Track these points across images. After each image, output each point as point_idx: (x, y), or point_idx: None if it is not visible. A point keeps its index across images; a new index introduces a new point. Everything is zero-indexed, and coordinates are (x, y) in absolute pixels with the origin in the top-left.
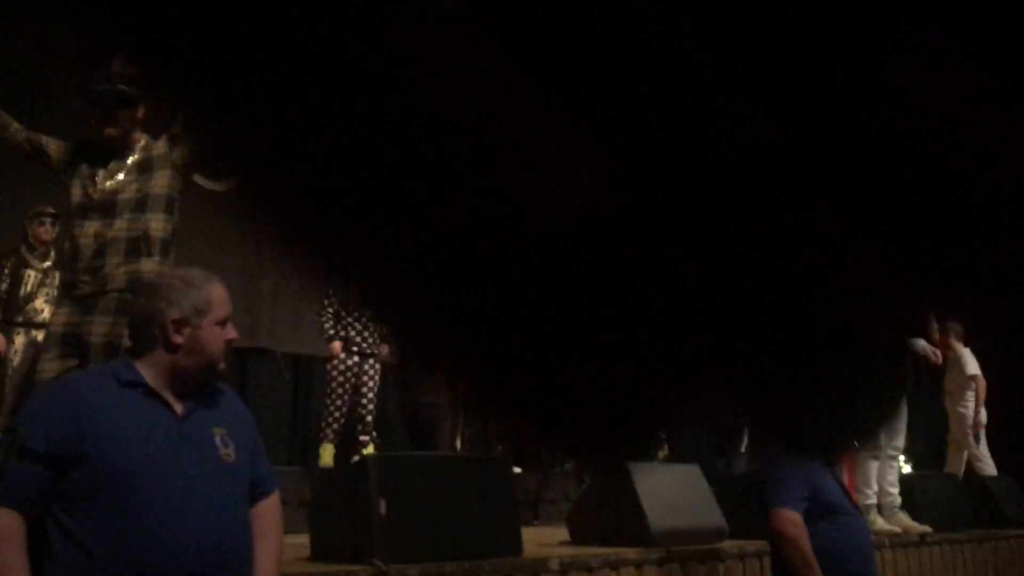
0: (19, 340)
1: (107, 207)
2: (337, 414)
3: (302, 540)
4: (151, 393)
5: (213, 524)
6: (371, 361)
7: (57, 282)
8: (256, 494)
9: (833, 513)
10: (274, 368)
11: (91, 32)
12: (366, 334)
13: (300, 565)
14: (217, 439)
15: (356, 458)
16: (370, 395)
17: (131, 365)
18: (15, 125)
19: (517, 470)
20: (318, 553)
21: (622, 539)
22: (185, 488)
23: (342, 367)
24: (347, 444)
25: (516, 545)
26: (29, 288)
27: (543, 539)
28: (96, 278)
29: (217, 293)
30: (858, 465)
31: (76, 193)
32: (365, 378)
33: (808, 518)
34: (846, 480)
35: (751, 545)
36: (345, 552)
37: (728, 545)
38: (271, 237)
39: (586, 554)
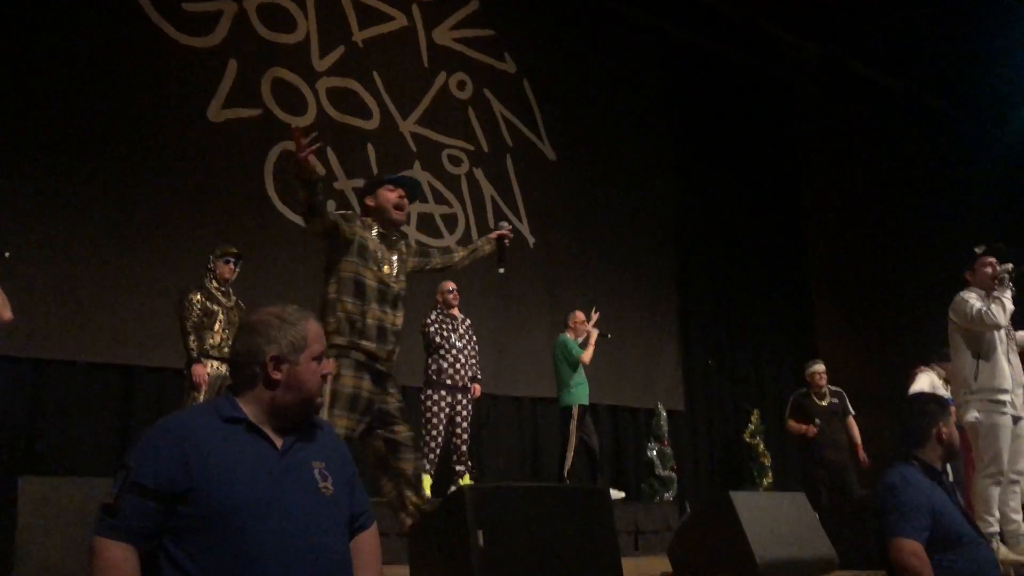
0: (212, 372)
1: (390, 297)
2: (433, 444)
3: (402, 571)
4: (252, 428)
5: (314, 556)
6: (464, 391)
7: (232, 320)
8: (355, 527)
9: (957, 542)
10: None
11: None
12: (457, 365)
13: None
14: (316, 473)
15: (453, 488)
16: (464, 424)
17: (233, 402)
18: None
19: (620, 494)
20: None
21: (725, 570)
22: (286, 520)
23: (436, 397)
24: (444, 474)
25: None
26: (220, 324)
27: (644, 570)
28: (389, 362)
29: (312, 329)
30: (978, 491)
31: (367, 275)
32: (459, 407)
33: (930, 548)
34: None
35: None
36: None
37: None
38: None
39: None
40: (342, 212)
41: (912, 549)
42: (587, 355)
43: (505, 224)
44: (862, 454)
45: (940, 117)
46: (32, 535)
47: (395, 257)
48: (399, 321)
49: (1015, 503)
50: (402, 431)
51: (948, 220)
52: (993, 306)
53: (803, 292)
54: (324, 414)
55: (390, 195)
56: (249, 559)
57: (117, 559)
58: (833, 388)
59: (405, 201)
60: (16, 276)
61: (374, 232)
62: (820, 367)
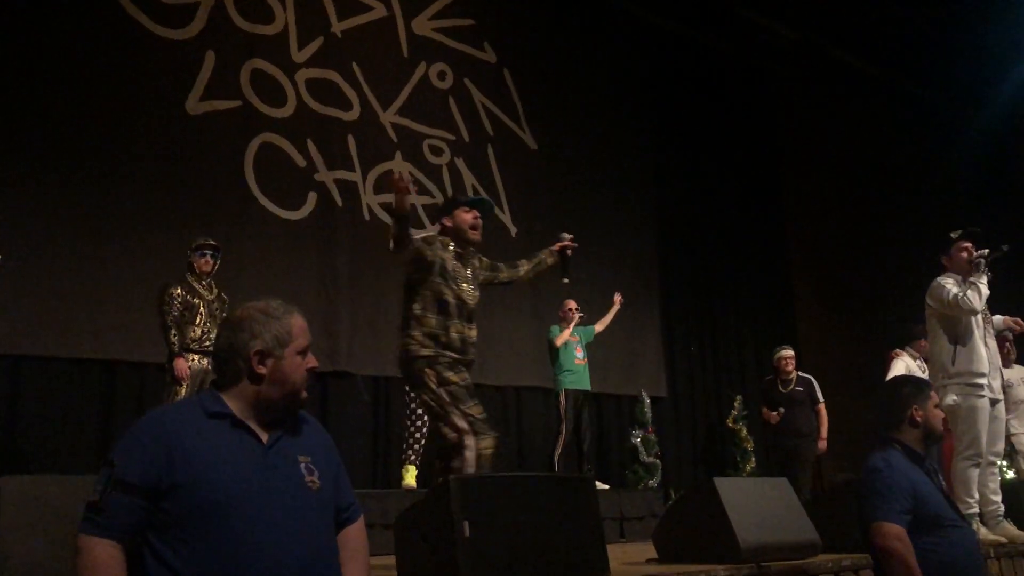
0: (194, 366)
1: (466, 312)
2: (418, 435)
3: (388, 562)
4: (237, 423)
5: (301, 551)
6: None
7: (215, 313)
8: (342, 520)
9: (939, 525)
10: (354, 391)
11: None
12: None
13: None
14: (302, 467)
15: (439, 479)
16: None
17: (218, 397)
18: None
19: (604, 487)
20: (404, 575)
21: (710, 556)
22: (273, 516)
23: None
24: (430, 465)
25: (602, 564)
26: (201, 317)
27: (630, 557)
28: (469, 369)
29: (297, 323)
30: (958, 473)
31: (447, 293)
32: None
33: (912, 531)
34: None
35: (846, 559)
36: (430, 574)
37: (822, 560)
38: None
39: (674, 571)
40: (423, 236)
41: (894, 533)
42: (559, 339)
43: (566, 235)
44: (822, 444)
45: (918, 102)
46: (14, 534)
47: (470, 273)
48: (474, 333)
49: (994, 484)
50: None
51: (926, 204)
52: (969, 292)
53: (783, 277)
54: (455, 413)
55: (466, 216)
56: (235, 554)
57: (103, 557)
58: (802, 375)
59: (479, 221)
60: None
61: (451, 251)
62: (787, 353)
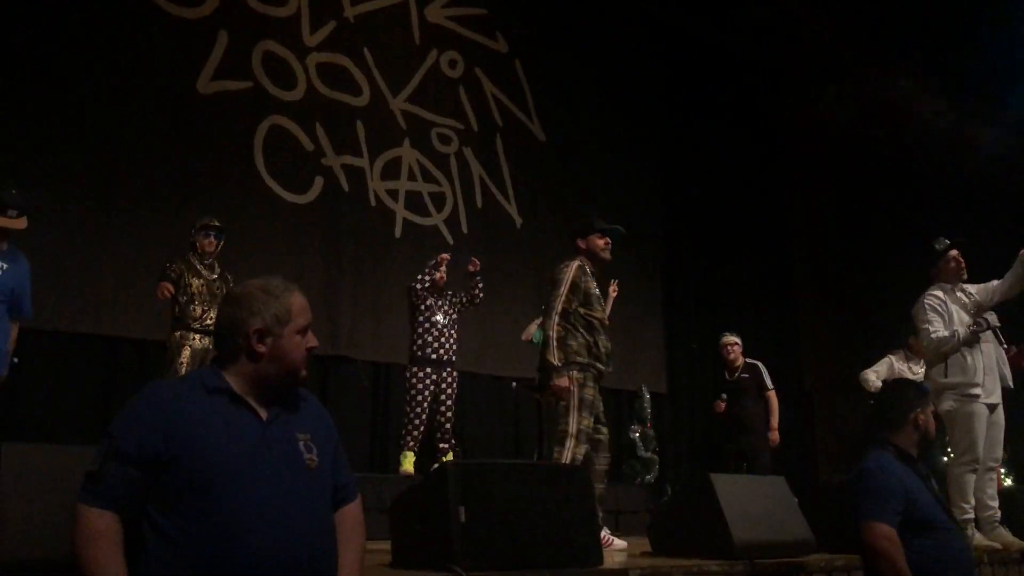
0: (196, 344)
1: (605, 327)
2: (417, 421)
3: (383, 546)
4: (237, 400)
5: (298, 527)
6: (448, 369)
7: (216, 292)
8: (338, 499)
9: (929, 527)
10: (354, 376)
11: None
12: (442, 339)
13: (381, 571)
14: (300, 444)
15: (436, 465)
16: (448, 403)
17: (218, 373)
18: None
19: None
20: (399, 559)
21: (704, 551)
22: (270, 491)
23: (421, 374)
24: (427, 451)
25: (596, 555)
26: (199, 296)
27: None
28: (602, 377)
29: (297, 302)
30: (954, 479)
31: (592, 315)
32: (444, 385)
33: (903, 532)
34: None
35: (839, 559)
36: (425, 559)
37: (815, 559)
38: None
39: (667, 565)
40: (576, 274)
41: (884, 533)
42: (524, 333)
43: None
44: (774, 435)
45: (925, 103)
46: (13, 501)
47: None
48: (611, 346)
49: (991, 490)
50: (604, 432)
51: (930, 203)
52: (944, 335)
53: (786, 276)
54: (573, 417)
55: (599, 241)
56: (232, 528)
57: (100, 526)
58: (750, 361)
59: (610, 245)
60: None
61: (591, 274)
62: (729, 339)
